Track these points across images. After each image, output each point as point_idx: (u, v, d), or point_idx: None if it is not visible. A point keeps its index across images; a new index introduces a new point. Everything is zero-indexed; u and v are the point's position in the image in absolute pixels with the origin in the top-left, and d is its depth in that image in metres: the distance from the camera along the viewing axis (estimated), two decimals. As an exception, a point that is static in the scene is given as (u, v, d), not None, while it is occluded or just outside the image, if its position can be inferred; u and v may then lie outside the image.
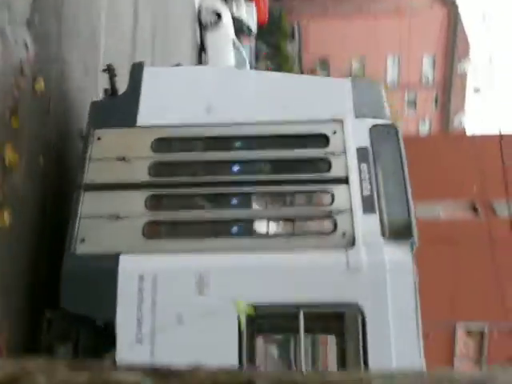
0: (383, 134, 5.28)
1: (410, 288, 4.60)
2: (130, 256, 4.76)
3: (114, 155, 5.35)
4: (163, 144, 5.46)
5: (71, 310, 4.64)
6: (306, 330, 4.60)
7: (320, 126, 5.40)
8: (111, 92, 6.10)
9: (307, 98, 5.59)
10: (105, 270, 4.65)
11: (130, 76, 5.84)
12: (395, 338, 4.50)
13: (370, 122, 5.34)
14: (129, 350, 4.48)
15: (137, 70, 5.81)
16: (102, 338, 4.66)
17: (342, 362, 4.94)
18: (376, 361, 4.49)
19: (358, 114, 5.40)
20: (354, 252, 4.64)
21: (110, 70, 6.15)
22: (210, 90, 5.69)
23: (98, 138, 5.46)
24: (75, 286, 4.63)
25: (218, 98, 5.63)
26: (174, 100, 5.62)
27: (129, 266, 4.69)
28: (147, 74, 5.74)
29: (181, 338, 4.49)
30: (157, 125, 5.47)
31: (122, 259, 4.70)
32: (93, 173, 5.28)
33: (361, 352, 4.49)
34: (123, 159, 5.31)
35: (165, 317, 4.54)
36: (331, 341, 5.69)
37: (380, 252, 4.64)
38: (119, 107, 5.64)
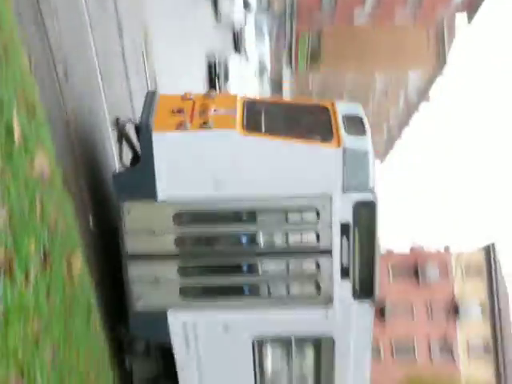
0: (363, 211, 6.51)
1: (367, 336, 7.10)
2: (175, 312, 7.12)
3: (143, 228, 6.80)
4: (183, 217, 6.86)
5: (138, 336, 7.46)
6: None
7: (315, 201, 6.65)
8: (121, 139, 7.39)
9: (302, 170, 6.65)
10: (160, 326, 7.06)
11: (141, 143, 6.76)
12: (353, 362, 7.23)
13: (355, 197, 6.55)
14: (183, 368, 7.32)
15: (146, 137, 6.61)
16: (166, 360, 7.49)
17: (317, 372, 7.74)
18: (339, 373, 7.38)
19: (346, 189, 6.52)
20: (332, 308, 6.98)
21: (118, 125, 7.26)
22: (215, 163, 6.70)
23: (128, 212, 6.72)
24: (140, 328, 7.17)
25: (223, 171, 6.66)
26: (187, 170, 6.68)
27: (174, 322, 7.13)
28: (158, 141, 6.57)
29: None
30: (175, 200, 6.73)
31: (170, 317, 7.13)
32: (131, 244, 6.79)
33: (332, 365, 7.38)
34: (153, 233, 6.79)
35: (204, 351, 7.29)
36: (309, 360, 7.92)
37: (349, 309, 6.87)
38: (139, 180, 6.66)
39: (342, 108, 7.31)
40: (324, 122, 7.05)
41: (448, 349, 41.76)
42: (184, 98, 7.25)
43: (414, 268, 44.72)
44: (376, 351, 42.79)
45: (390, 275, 44.93)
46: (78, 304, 6.64)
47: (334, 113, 7.18)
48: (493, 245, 44.08)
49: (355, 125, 6.95)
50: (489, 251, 44.07)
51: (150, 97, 7.17)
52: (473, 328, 43.28)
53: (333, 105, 7.38)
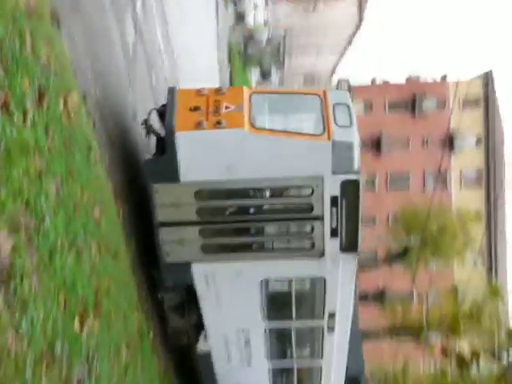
0: (349, 188, 8.20)
1: (351, 278, 9.08)
2: (197, 264, 9.06)
3: (170, 202, 8.51)
4: (202, 194, 8.58)
5: (168, 282, 9.34)
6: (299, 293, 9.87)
7: (310, 180, 8.34)
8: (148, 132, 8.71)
9: (299, 158, 8.27)
10: (185, 273, 9.04)
11: (166, 139, 8.22)
12: (340, 297, 9.23)
13: (342, 177, 8.21)
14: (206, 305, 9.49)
15: (170, 136, 8.18)
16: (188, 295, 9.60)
17: (312, 300, 10.00)
18: (329, 303, 9.37)
19: (335, 171, 8.17)
20: (324, 259, 8.83)
21: (146, 126, 8.57)
22: (227, 154, 8.26)
23: (157, 191, 8.44)
24: (169, 275, 9.13)
25: (234, 160, 8.23)
26: (204, 160, 8.25)
27: (197, 270, 9.10)
28: (180, 139, 8.14)
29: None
30: (194, 182, 8.39)
31: (193, 266, 9.07)
32: (161, 215, 8.58)
33: (324, 297, 9.36)
34: (178, 206, 8.53)
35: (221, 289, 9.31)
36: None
37: (337, 259, 8.74)
38: (165, 166, 8.27)
39: (333, 96, 8.77)
40: (317, 114, 8.66)
41: (442, 180, 42.89)
42: (198, 93, 8.70)
43: (410, 100, 44.61)
44: (371, 183, 44.07)
45: (386, 107, 44.97)
46: (76, 141, 6.71)
47: (326, 102, 8.65)
48: (490, 72, 43.67)
49: (343, 114, 8.45)
50: (486, 79, 43.73)
51: (171, 94, 8.71)
52: (467, 159, 44.19)
53: (325, 93, 8.82)
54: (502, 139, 44.93)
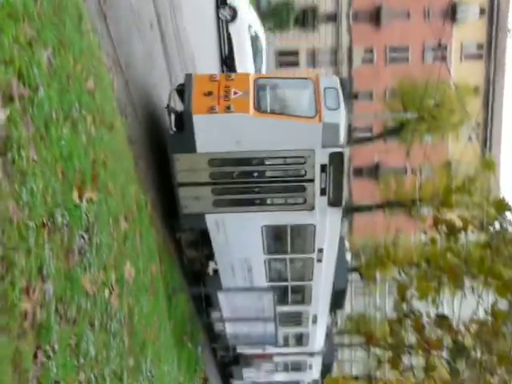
0: (335, 158, 10.05)
1: (337, 224, 11.16)
2: (209, 214, 11.06)
3: (188, 168, 10.39)
4: (214, 162, 10.37)
5: (185, 227, 11.54)
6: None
7: (303, 152, 10.21)
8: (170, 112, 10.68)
9: (295, 135, 10.06)
10: (199, 220, 11.06)
11: (186, 120, 9.91)
12: (327, 238, 11.31)
13: (330, 150, 10.06)
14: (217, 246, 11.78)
15: (188, 117, 9.87)
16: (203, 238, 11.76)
17: (303, 242, 11.95)
18: (319, 242, 11.47)
19: (324, 145, 10.00)
20: (314, 212, 10.79)
21: (169, 108, 10.58)
22: (235, 132, 9.99)
23: (177, 159, 10.32)
24: (186, 222, 11.17)
25: (241, 137, 10.04)
26: (216, 136, 10.01)
27: (209, 219, 11.11)
28: (196, 120, 9.85)
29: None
30: (208, 152, 10.22)
31: (206, 216, 11.08)
32: (180, 177, 10.52)
33: (314, 238, 11.48)
34: (194, 170, 10.42)
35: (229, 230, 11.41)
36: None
37: (326, 212, 10.71)
38: (184, 140, 10.06)
39: (324, 81, 10.52)
40: (310, 97, 10.37)
41: (442, 52, 41.97)
42: (211, 78, 10.45)
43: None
44: (369, 59, 43.20)
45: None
46: (66, 9, 6.49)
47: (318, 86, 10.39)
48: None
49: (332, 98, 10.14)
50: None
51: (188, 79, 10.41)
52: (469, 31, 43.02)
53: (317, 78, 10.58)
54: (506, 9, 43.50)
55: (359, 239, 38.71)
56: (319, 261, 12.36)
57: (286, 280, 13.40)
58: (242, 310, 14.10)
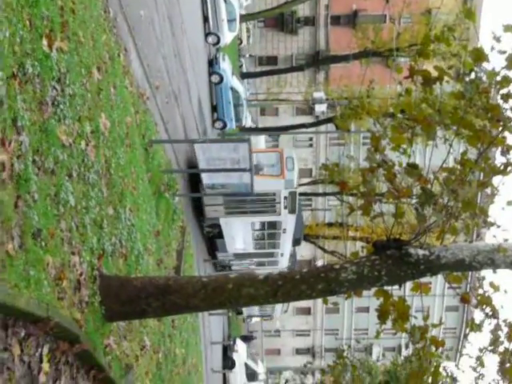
0: (291, 193, 19.93)
1: (293, 218, 21.16)
2: (222, 218, 20.67)
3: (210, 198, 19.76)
4: (225, 197, 20.01)
5: (207, 223, 21.25)
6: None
7: (275, 191, 20.00)
8: None
9: (271, 184, 19.72)
10: (216, 221, 21.05)
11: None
12: (288, 224, 21.83)
13: (288, 190, 19.83)
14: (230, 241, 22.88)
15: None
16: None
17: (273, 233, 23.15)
18: (283, 226, 21.97)
19: (285, 188, 19.74)
20: (280, 215, 20.84)
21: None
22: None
23: (205, 201, 20.18)
24: (208, 222, 21.03)
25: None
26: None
27: (223, 221, 20.85)
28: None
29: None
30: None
31: (220, 220, 20.75)
32: (206, 201, 19.67)
33: (281, 225, 22.01)
34: (214, 198, 19.80)
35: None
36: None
37: (286, 215, 20.75)
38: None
39: (286, 152, 20.25)
40: (277, 163, 19.75)
41: None
42: None
43: None
44: None
45: None
46: None
47: (282, 156, 19.78)
48: None
49: (290, 163, 19.64)
50: None
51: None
52: None
53: (282, 151, 20.44)
54: None
55: (335, 90, 38.56)
56: (284, 232, 22.13)
57: (264, 243, 23.35)
58: (218, 161, 14.34)
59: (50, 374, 5.56)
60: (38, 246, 5.30)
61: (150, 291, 7.00)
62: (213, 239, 22.31)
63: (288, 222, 21.17)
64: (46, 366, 5.45)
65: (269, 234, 22.50)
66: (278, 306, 33.67)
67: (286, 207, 20.00)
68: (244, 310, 34.58)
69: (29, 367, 5.17)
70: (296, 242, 24.86)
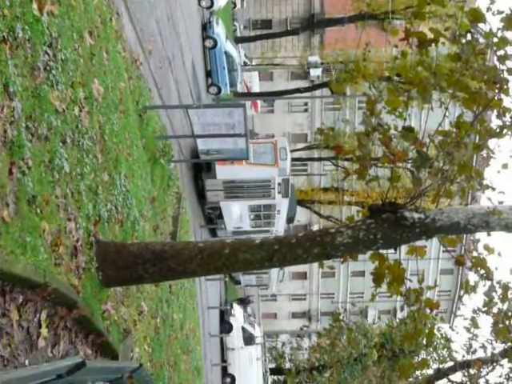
0: (285, 180, 22.15)
1: (286, 201, 23.38)
2: (222, 202, 22.49)
3: (212, 184, 22.32)
4: (225, 182, 22.72)
5: (208, 206, 23.44)
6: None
7: (270, 178, 22.00)
8: None
9: (266, 172, 21.92)
10: (216, 204, 22.96)
11: (212, 167, 21.00)
12: (281, 206, 23.78)
13: (281, 177, 21.98)
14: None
15: (214, 166, 20.94)
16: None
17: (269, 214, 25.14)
18: (277, 208, 23.96)
19: (279, 176, 21.85)
20: (275, 199, 22.78)
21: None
22: (237, 171, 21.21)
23: (207, 183, 22.12)
24: (210, 205, 23.21)
25: (241, 173, 21.56)
26: (227, 172, 21.30)
27: (223, 204, 22.69)
28: (218, 168, 20.94)
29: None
30: (222, 179, 21.69)
31: (221, 203, 22.64)
32: (207, 186, 22.05)
33: (275, 207, 24.00)
34: (215, 185, 22.66)
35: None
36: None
37: (280, 199, 22.80)
38: (211, 174, 21.52)
39: (280, 142, 22.14)
40: (272, 153, 21.64)
41: None
42: None
43: None
44: None
45: None
46: None
47: (276, 145, 21.76)
48: None
49: (283, 153, 21.67)
50: None
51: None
52: None
53: (276, 142, 22.03)
54: None
55: (330, 54, 38.20)
56: (278, 213, 23.93)
57: (261, 223, 24.81)
58: (213, 126, 14.26)
59: (48, 339, 5.61)
60: (33, 212, 5.30)
61: (147, 257, 7.03)
62: (213, 220, 24.94)
63: (281, 204, 23.32)
64: (44, 331, 5.49)
65: (264, 214, 24.40)
66: (274, 276, 34.85)
67: (279, 192, 22.13)
68: (241, 279, 35.38)
69: (27, 332, 5.21)
70: (289, 221, 27.36)
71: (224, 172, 20.70)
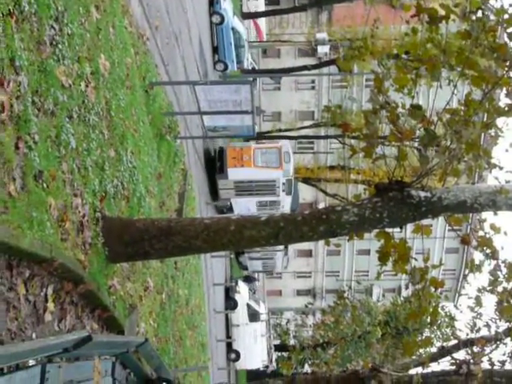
0: (289, 180, 24.96)
1: (289, 197, 25.89)
2: (233, 198, 25.17)
3: (224, 183, 25.07)
4: (236, 182, 25.29)
5: (219, 201, 25.39)
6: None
7: (276, 179, 24.67)
8: None
9: (272, 174, 24.91)
10: (228, 201, 25.69)
11: (224, 169, 23.80)
12: (285, 202, 25.98)
13: (286, 178, 24.72)
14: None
15: (225, 167, 23.69)
16: None
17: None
18: (281, 201, 26.12)
19: (283, 177, 24.62)
20: (279, 196, 25.49)
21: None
22: (245, 173, 24.22)
23: (220, 182, 24.82)
24: (222, 202, 25.29)
25: (248, 175, 24.41)
26: (237, 174, 24.14)
27: (233, 201, 25.27)
28: (229, 169, 23.65)
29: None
30: (233, 179, 24.27)
31: (232, 199, 25.26)
32: (220, 186, 24.73)
33: (279, 200, 26.06)
34: (226, 184, 25.45)
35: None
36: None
37: (284, 196, 25.71)
38: (223, 175, 24.34)
39: (283, 146, 24.86)
40: (277, 157, 24.28)
41: None
42: (234, 148, 23.90)
43: None
44: None
45: None
46: None
47: (281, 150, 24.39)
48: None
49: (287, 157, 24.36)
50: None
51: (225, 150, 23.77)
52: None
53: (281, 146, 24.81)
54: None
55: (338, 31, 37.86)
56: (282, 208, 25.33)
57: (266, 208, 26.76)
58: (219, 103, 14.20)
59: (55, 313, 5.65)
60: (39, 187, 5.31)
61: (153, 233, 7.05)
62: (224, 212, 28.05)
63: (285, 200, 26.11)
64: (51, 305, 5.54)
65: (270, 209, 27.30)
66: (279, 262, 37.30)
67: (283, 190, 25.04)
68: (248, 264, 36.91)
69: (34, 306, 5.25)
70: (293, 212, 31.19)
71: (235, 173, 23.73)
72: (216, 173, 23.91)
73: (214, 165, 23.88)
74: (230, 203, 25.61)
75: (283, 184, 24.84)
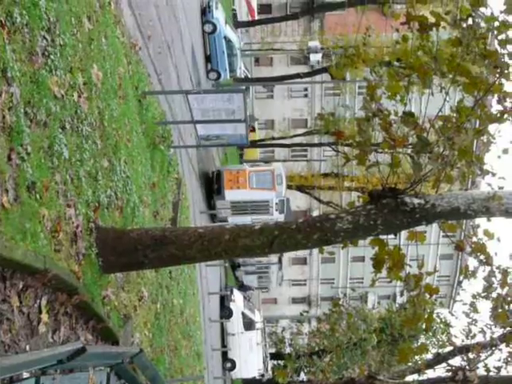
0: (281, 200, 26.97)
1: (282, 215, 26.80)
2: (230, 217, 25.63)
3: (222, 203, 26.91)
4: (232, 202, 27.24)
5: (218, 220, 25.78)
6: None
7: (268, 199, 26.60)
8: None
9: (266, 195, 26.94)
10: (225, 219, 25.66)
11: (222, 191, 25.92)
12: (277, 213, 26.87)
13: (278, 199, 26.83)
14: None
15: (223, 190, 25.79)
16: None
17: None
18: (274, 217, 26.37)
19: (276, 197, 26.68)
20: (273, 215, 26.33)
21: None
22: (241, 194, 26.10)
23: (217, 201, 26.89)
24: (220, 219, 25.91)
25: (243, 195, 26.24)
26: (234, 195, 26.00)
27: (230, 219, 25.18)
28: (226, 191, 25.79)
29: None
30: (230, 200, 26.33)
31: (228, 218, 25.57)
32: (218, 206, 26.20)
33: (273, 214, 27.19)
34: (224, 204, 27.28)
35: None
36: None
37: (278, 215, 25.99)
38: (220, 196, 26.54)
39: (276, 169, 27.12)
40: (271, 179, 26.57)
41: None
42: (232, 172, 26.00)
43: None
44: None
45: None
46: None
47: (274, 172, 26.63)
48: None
49: (280, 179, 26.67)
50: None
51: (222, 173, 25.76)
52: None
53: (274, 169, 27.04)
54: None
55: (330, 39, 38.00)
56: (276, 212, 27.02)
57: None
58: (212, 112, 14.22)
59: (49, 325, 5.62)
60: (32, 198, 5.29)
61: (147, 243, 7.03)
62: None
63: (278, 219, 27.69)
64: (45, 316, 5.50)
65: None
66: (274, 278, 39.49)
67: (277, 210, 26.80)
68: (244, 280, 38.09)
69: (28, 318, 5.22)
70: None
71: (231, 195, 25.74)
72: (214, 194, 25.89)
73: (212, 186, 25.84)
74: (227, 221, 26.61)
75: (276, 204, 26.86)
